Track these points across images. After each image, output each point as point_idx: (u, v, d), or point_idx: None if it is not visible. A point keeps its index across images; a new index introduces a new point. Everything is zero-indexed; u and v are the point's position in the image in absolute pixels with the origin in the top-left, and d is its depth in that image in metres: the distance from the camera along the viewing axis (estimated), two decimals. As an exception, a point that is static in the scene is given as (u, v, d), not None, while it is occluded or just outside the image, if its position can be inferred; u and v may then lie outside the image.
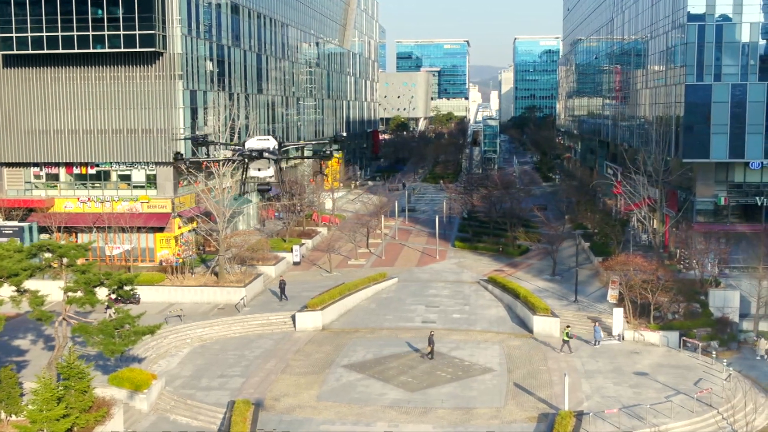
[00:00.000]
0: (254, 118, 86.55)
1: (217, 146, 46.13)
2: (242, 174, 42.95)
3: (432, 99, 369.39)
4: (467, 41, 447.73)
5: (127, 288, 41.82)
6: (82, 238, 73.97)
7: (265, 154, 40.58)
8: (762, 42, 68.59)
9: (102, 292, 42.59)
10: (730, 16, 68.55)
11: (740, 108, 67.73)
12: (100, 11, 68.90)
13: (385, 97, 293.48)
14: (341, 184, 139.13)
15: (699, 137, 69.17)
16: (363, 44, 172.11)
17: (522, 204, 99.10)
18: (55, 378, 40.94)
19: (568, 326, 56.12)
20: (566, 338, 54.54)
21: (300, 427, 42.25)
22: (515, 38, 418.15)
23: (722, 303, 60.49)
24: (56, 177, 75.45)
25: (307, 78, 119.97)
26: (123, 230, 70.38)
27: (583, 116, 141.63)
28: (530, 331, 59.00)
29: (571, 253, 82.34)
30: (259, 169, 41.17)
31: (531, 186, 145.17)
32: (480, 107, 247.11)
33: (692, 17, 68.76)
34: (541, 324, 58.52)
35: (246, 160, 41.15)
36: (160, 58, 71.32)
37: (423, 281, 74.05)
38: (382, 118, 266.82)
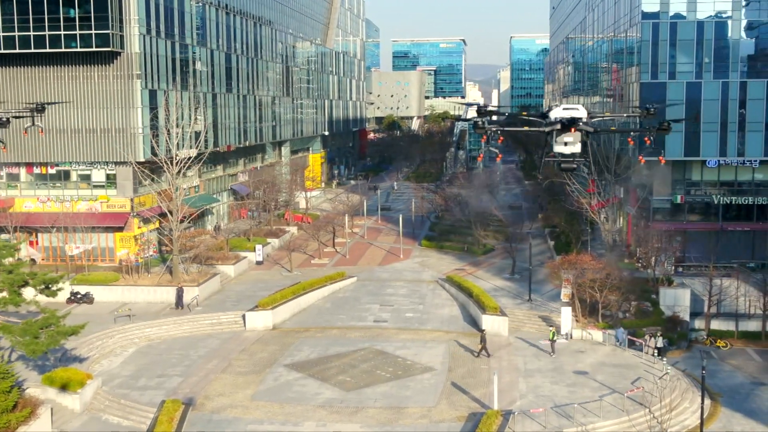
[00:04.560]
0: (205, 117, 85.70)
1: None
2: None
3: (427, 98, 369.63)
4: (463, 40, 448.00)
5: (53, 288, 41.68)
6: (42, 238, 74.16)
7: None
8: (716, 40, 68.41)
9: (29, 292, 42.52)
10: (684, 14, 68.42)
11: (695, 106, 67.57)
12: (56, 11, 68.78)
13: (378, 96, 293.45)
14: (323, 183, 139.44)
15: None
16: (348, 43, 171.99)
17: (494, 203, 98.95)
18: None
19: (551, 327, 55.39)
20: (552, 338, 53.69)
21: (227, 427, 42.17)
22: (511, 37, 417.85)
23: (673, 302, 60.40)
24: (17, 177, 75.49)
25: (284, 77, 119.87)
26: (77, 230, 70.41)
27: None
28: (480, 330, 58.86)
29: (537, 252, 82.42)
30: None
31: (512, 185, 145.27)
32: (468, 106, 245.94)
33: (646, 15, 68.60)
34: (490, 323, 58.31)
35: None
36: (118, 57, 71.30)
37: (382, 280, 73.96)
38: (375, 117, 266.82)
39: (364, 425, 42.34)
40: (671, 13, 68.56)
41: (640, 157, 45.73)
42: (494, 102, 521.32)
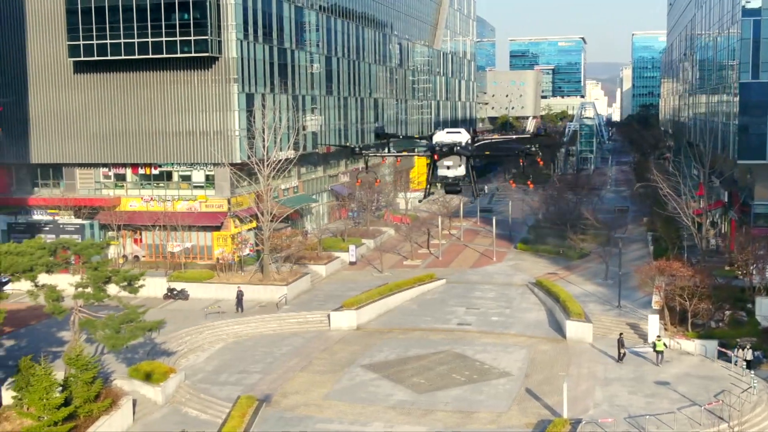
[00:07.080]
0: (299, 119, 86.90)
1: None
2: None
3: (545, 97, 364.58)
4: (582, 38, 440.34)
5: (134, 284, 43.62)
6: (146, 236, 77.48)
7: None
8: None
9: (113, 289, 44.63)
10: (788, 10, 65.28)
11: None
12: (159, 18, 71.79)
13: (493, 95, 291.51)
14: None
15: (755, 137, 66.14)
16: (457, 44, 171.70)
17: (591, 206, 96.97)
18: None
19: (658, 336, 53.36)
20: (660, 349, 51.82)
21: (297, 425, 43.03)
22: (633, 34, 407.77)
23: (770, 312, 57.69)
24: (123, 177, 79.16)
25: (388, 79, 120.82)
26: (175, 229, 73.25)
27: (676, 115, 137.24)
28: (564, 335, 57.99)
29: (636, 257, 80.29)
30: None
31: (622, 187, 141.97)
32: (583, 105, 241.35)
33: (747, 12, 65.74)
34: (574, 329, 57.38)
35: None
36: (216, 62, 73.73)
37: (471, 283, 73.70)
38: (489, 117, 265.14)
39: (431, 428, 42.40)
40: (774, 10, 65.60)
41: (511, 182, 44.87)
42: (617, 101, 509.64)
